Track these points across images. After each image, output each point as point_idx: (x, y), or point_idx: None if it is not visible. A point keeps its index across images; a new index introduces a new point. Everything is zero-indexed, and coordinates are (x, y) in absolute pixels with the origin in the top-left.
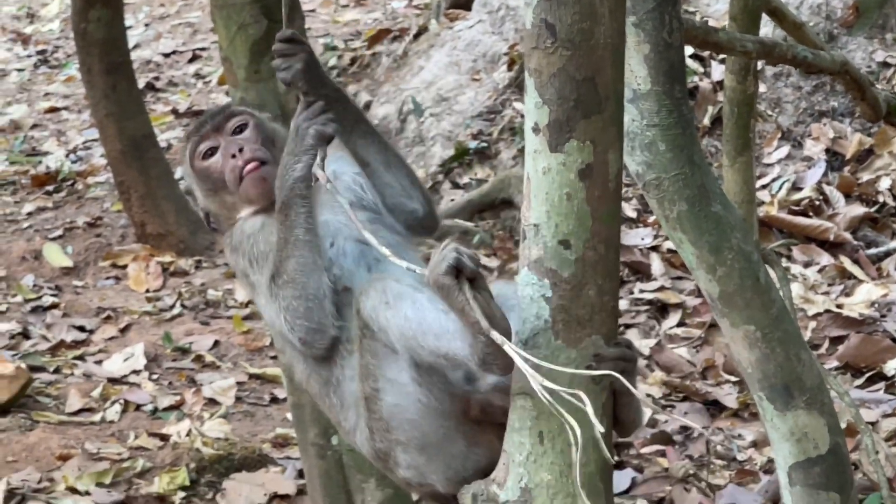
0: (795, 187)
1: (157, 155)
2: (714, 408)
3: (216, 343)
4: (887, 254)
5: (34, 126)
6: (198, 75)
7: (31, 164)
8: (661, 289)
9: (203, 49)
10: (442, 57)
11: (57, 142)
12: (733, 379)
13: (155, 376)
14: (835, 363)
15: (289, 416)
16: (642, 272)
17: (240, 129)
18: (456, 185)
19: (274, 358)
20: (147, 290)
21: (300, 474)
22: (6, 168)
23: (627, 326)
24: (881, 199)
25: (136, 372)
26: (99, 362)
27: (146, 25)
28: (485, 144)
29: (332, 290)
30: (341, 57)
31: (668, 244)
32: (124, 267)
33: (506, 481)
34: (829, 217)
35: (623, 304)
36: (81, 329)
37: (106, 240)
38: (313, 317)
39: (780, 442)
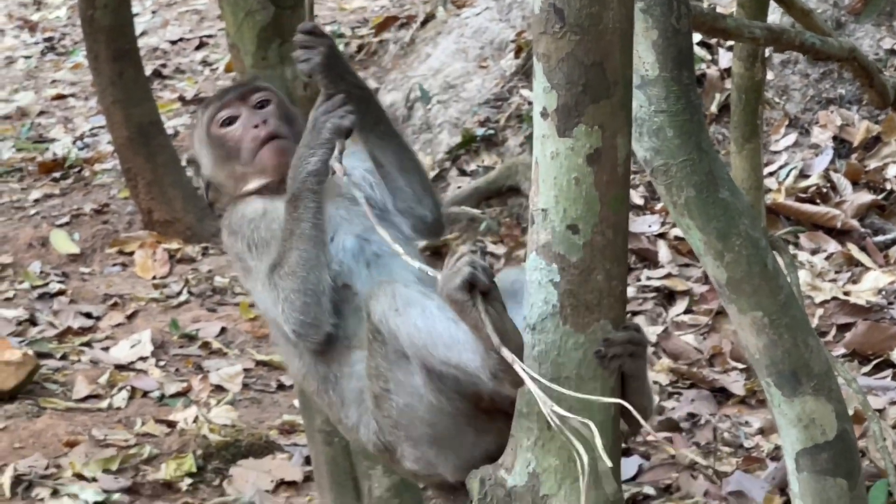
0: (803, 175)
1: (164, 142)
2: (721, 395)
3: (223, 330)
4: (895, 241)
5: (41, 113)
6: (205, 62)
7: (38, 151)
8: (669, 276)
9: (210, 36)
10: (449, 44)
11: (64, 129)
12: (740, 366)
13: (162, 363)
14: (842, 350)
15: (295, 402)
16: (649, 259)
17: (262, 104)
18: (463, 173)
19: None
20: (154, 277)
21: (307, 461)
22: (13, 155)
23: (634, 313)
24: (889, 186)
25: (143, 359)
26: (106, 349)
27: (153, 13)
28: (492, 132)
29: (332, 288)
30: (348, 44)
31: (676, 231)
32: (131, 254)
33: (514, 466)
34: (836, 204)
35: (630, 292)
36: (88, 316)
37: (113, 227)
38: (310, 312)
39: (788, 428)
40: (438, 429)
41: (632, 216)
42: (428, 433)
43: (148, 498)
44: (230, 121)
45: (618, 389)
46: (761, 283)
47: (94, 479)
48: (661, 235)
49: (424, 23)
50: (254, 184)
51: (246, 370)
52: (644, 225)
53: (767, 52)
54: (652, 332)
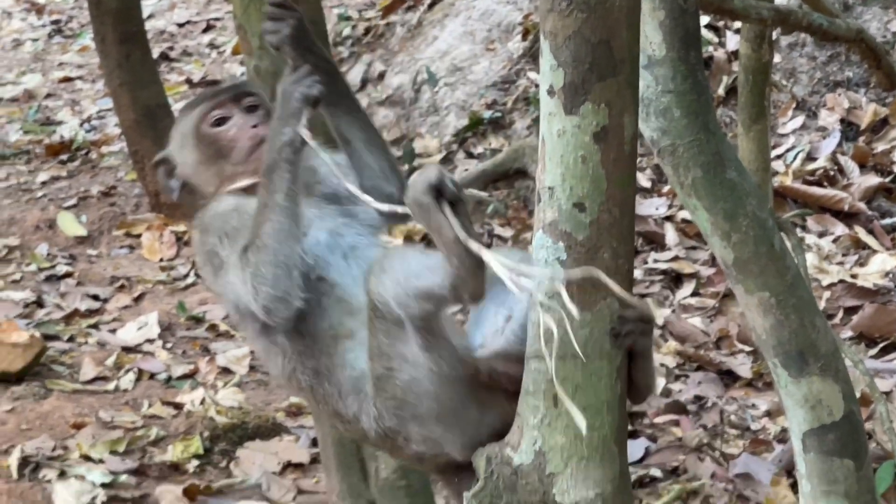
0: (810, 157)
1: (172, 124)
2: (728, 377)
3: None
4: None
5: (48, 95)
6: (212, 45)
7: (46, 134)
8: (676, 258)
9: (217, 19)
10: (456, 27)
11: (71, 111)
12: (747, 349)
13: (169, 345)
14: (849, 333)
15: None
16: (656, 242)
17: (253, 108)
18: (470, 155)
19: None
20: (161, 259)
21: (314, 443)
22: (20, 137)
23: (641, 296)
24: None
25: (149, 341)
26: (113, 331)
27: None
28: (499, 114)
29: (303, 261)
30: (355, 27)
31: (683, 214)
32: (138, 236)
33: (520, 444)
34: (843, 187)
35: (637, 274)
36: (95, 298)
37: (120, 209)
38: (280, 285)
39: (795, 408)
40: (443, 401)
41: (639, 198)
42: (433, 408)
43: (155, 479)
44: (222, 120)
45: (624, 368)
46: (768, 263)
47: (101, 461)
48: (669, 218)
49: (432, 5)
50: (240, 183)
51: (253, 352)
52: (651, 207)
53: (775, 34)
54: (659, 315)
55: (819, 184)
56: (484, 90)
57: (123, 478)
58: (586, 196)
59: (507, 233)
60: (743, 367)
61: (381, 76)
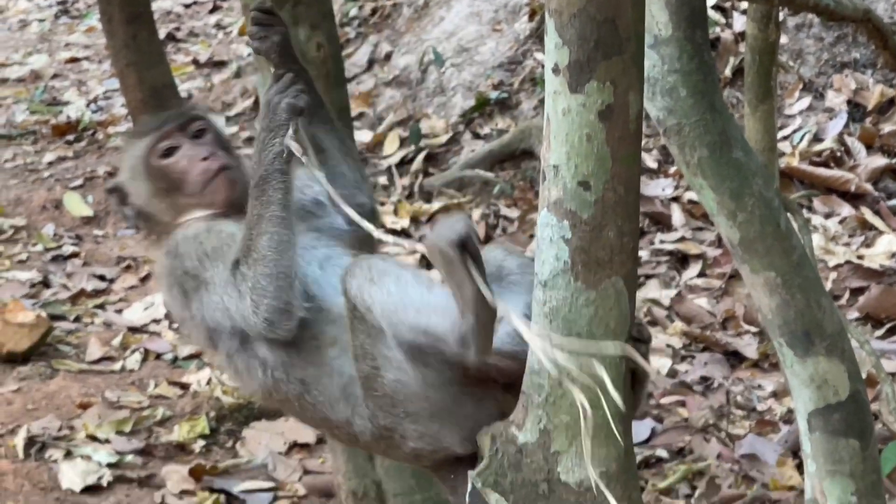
0: (817, 138)
1: (178, 105)
2: (734, 358)
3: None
4: None
5: (55, 76)
6: (218, 26)
7: (52, 114)
8: (682, 239)
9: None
10: (463, 7)
11: (77, 91)
12: (753, 329)
13: (175, 325)
14: (855, 314)
15: None
16: (663, 223)
17: (200, 133)
18: (477, 136)
19: None
20: None
21: None
22: (27, 118)
23: (648, 277)
24: None
25: (156, 321)
26: (119, 311)
27: None
28: (505, 95)
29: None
30: (362, 7)
31: (689, 195)
32: None
33: (524, 423)
34: (850, 168)
35: (644, 255)
36: (102, 278)
37: None
38: (282, 296)
39: (800, 388)
40: (434, 401)
41: (645, 179)
42: (425, 407)
43: (161, 459)
44: (170, 152)
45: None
46: (774, 243)
47: (108, 441)
48: (675, 199)
49: None
50: (197, 213)
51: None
52: (658, 188)
53: (781, 14)
54: (665, 296)
55: (826, 165)
56: (490, 71)
57: (129, 458)
58: (591, 174)
59: (514, 213)
60: (749, 347)
61: (388, 57)
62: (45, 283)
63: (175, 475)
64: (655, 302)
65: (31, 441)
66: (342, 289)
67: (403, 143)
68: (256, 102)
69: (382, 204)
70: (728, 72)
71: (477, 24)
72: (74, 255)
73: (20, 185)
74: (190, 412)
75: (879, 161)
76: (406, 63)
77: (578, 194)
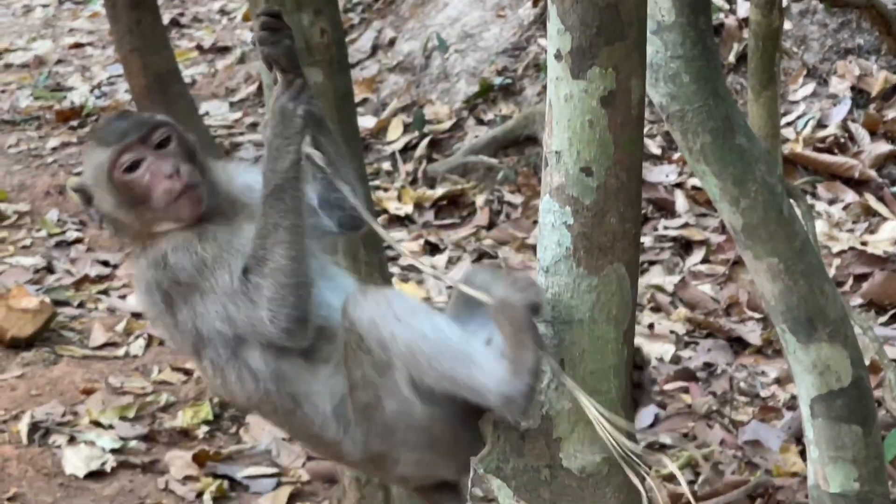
0: (820, 125)
1: (182, 90)
2: (737, 344)
3: None
4: None
5: (59, 61)
6: (223, 11)
7: (56, 100)
8: (686, 226)
9: None
10: None
11: (81, 77)
12: (757, 316)
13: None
14: (859, 300)
15: None
16: (667, 209)
17: (164, 143)
18: (480, 122)
19: None
20: None
21: None
22: (31, 103)
23: (651, 263)
24: None
25: None
26: (123, 297)
27: None
28: (509, 81)
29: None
30: None
31: (693, 181)
32: None
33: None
34: (854, 154)
35: (647, 241)
36: (105, 264)
37: None
38: (301, 305)
39: (803, 374)
40: (435, 432)
41: (649, 165)
42: (425, 438)
43: (164, 445)
44: (134, 165)
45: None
46: (777, 229)
47: (111, 427)
48: (679, 185)
49: None
50: (165, 227)
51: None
52: (661, 174)
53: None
54: (669, 282)
55: (829, 151)
56: (494, 57)
57: (133, 443)
58: (593, 160)
59: (517, 199)
60: (752, 334)
61: (392, 43)
62: (49, 269)
63: (178, 461)
64: (659, 288)
65: (34, 427)
66: (347, 317)
67: (407, 128)
68: (260, 88)
69: (386, 190)
70: (731, 58)
71: (481, 9)
72: (78, 240)
73: (24, 170)
74: (193, 398)
75: (883, 147)
76: (410, 49)
77: (580, 180)
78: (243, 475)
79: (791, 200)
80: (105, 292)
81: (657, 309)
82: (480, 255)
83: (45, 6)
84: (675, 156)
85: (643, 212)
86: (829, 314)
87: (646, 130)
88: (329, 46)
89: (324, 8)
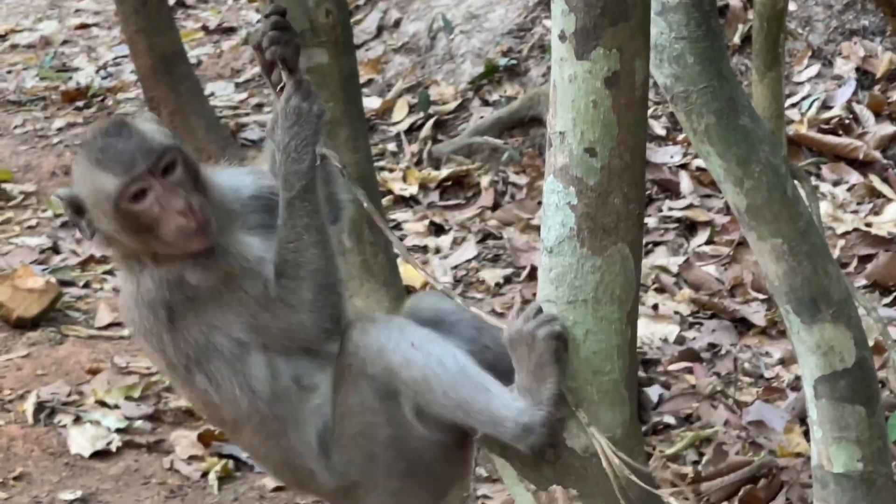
0: (825, 106)
1: (187, 71)
2: (742, 325)
3: None
4: None
5: (64, 42)
6: None
7: (62, 80)
8: (690, 206)
9: None
10: None
11: (87, 58)
12: (761, 296)
13: None
14: (863, 281)
15: None
16: (671, 190)
17: (170, 167)
18: (485, 103)
19: None
20: None
21: None
22: (37, 84)
23: (656, 244)
24: None
25: None
26: None
27: None
28: (514, 62)
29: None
30: None
31: (697, 162)
32: None
33: None
34: (858, 136)
35: (652, 222)
36: None
37: None
38: (339, 303)
39: (807, 355)
40: (424, 459)
41: (654, 146)
42: (411, 466)
43: (170, 425)
44: (141, 194)
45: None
46: (781, 209)
47: (117, 407)
48: (683, 166)
49: None
50: (171, 252)
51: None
52: (666, 156)
53: None
54: (673, 263)
55: (834, 132)
56: (499, 38)
57: (138, 423)
58: (597, 141)
59: (522, 180)
60: (757, 314)
61: (397, 24)
62: (55, 249)
63: (184, 440)
64: (663, 269)
65: (40, 406)
66: (353, 342)
67: (412, 109)
68: None
69: (391, 170)
70: (736, 39)
71: None
72: None
73: (30, 151)
74: None
75: (888, 128)
76: (415, 30)
77: (584, 161)
78: (248, 455)
79: (795, 181)
80: (111, 272)
81: (661, 290)
82: (485, 236)
83: None
84: (680, 137)
85: (647, 193)
86: (832, 295)
87: (650, 111)
88: (334, 27)
89: None
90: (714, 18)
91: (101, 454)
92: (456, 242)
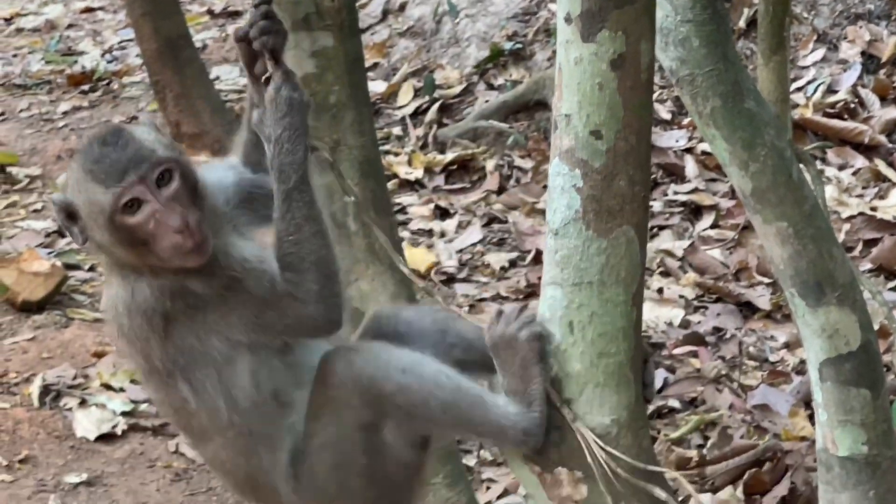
0: (830, 90)
1: (193, 55)
2: (747, 309)
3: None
4: None
5: (70, 26)
6: None
7: (67, 64)
8: (695, 190)
9: None
10: None
11: (92, 41)
12: (766, 280)
13: None
14: (868, 265)
15: None
16: (676, 174)
17: (167, 178)
18: (491, 87)
19: None
20: None
21: None
22: (42, 67)
23: (661, 228)
24: None
25: None
26: None
27: None
28: (520, 45)
29: None
30: None
31: (703, 146)
32: None
33: None
34: (863, 120)
35: (657, 206)
36: None
37: None
38: (343, 291)
39: (812, 338)
40: (396, 479)
41: (659, 130)
42: (380, 490)
43: None
44: (136, 206)
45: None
46: (786, 193)
47: (122, 390)
48: (689, 150)
49: None
50: (168, 267)
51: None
52: (671, 140)
53: None
54: (678, 247)
55: (839, 116)
56: (505, 21)
57: (144, 406)
58: (603, 123)
59: (527, 164)
60: (762, 298)
61: (402, 7)
62: (60, 233)
63: None
64: (668, 253)
65: (45, 389)
66: (335, 376)
67: (417, 93)
68: None
69: (396, 154)
70: (742, 23)
71: None
72: None
73: (35, 134)
74: None
75: (893, 113)
76: (420, 13)
77: (590, 143)
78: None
79: (800, 165)
80: None
81: (666, 273)
82: (490, 220)
83: None
84: (685, 121)
85: (653, 177)
86: (837, 278)
87: (656, 95)
88: (340, 10)
89: None
90: (719, 2)
91: (106, 437)
92: (461, 226)
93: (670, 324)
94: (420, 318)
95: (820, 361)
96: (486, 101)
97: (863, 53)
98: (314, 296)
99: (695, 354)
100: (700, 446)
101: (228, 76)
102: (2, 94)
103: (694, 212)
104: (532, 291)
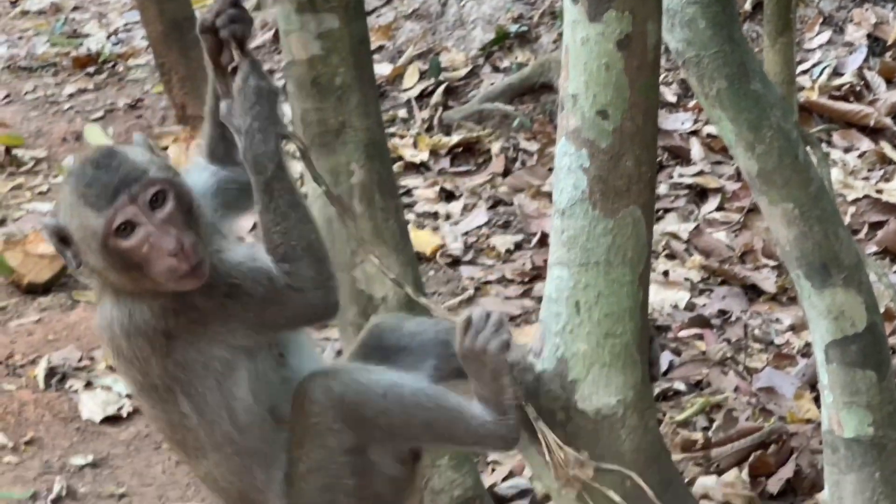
0: (836, 73)
1: (198, 37)
2: (752, 292)
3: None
4: None
5: (75, 8)
6: None
7: (73, 46)
8: (701, 173)
9: None
10: None
11: (98, 24)
12: (772, 263)
13: None
14: (874, 248)
15: None
16: (682, 156)
17: (161, 199)
18: (496, 69)
19: None
20: None
21: (339, 355)
22: (47, 50)
23: (666, 210)
24: None
25: None
26: None
27: None
28: (525, 28)
29: None
30: None
31: (708, 129)
32: (165, 148)
33: (542, 351)
34: (869, 103)
35: (662, 189)
36: None
37: (146, 121)
38: (335, 272)
39: (818, 320)
40: (385, 494)
41: (665, 113)
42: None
43: None
44: (129, 228)
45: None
46: (792, 174)
47: None
48: (694, 133)
49: None
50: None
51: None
52: (677, 122)
53: None
54: (684, 229)
55: (845, 99)
56: (510, 4)
57: None
58: (609, 103)
59: (533, 147)
60: (767, 281)
61: None
62: None
63: None
64: (674, 235)
65: (51, 371)
66: (317, 404)
67: (423, 76)
68: (276, 35)
69: (402, 137)
70: (748, 5)
71: None
72: None
73: (41, 116)
74: None
75: None
76: None
77: (597, 123)
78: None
79: (806, 147)
80: None
81: (672, 256)
82: (496, 203)
83: None
84: (691, 103)
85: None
86: (843, 260)
87: (662, 78)
88: None
89: None
90: None
91: (112, 419)
92: (466, 209)
93: (676, 306)
94: (423, 331)
95: (826, 343)
96: (492, 84)
97: (869, 36)
98: (311, 282)
99: (700, 337)
100: (705, 429)
101: None
102: (7, 76)
103: (699, 194)
104: (537, 274)
